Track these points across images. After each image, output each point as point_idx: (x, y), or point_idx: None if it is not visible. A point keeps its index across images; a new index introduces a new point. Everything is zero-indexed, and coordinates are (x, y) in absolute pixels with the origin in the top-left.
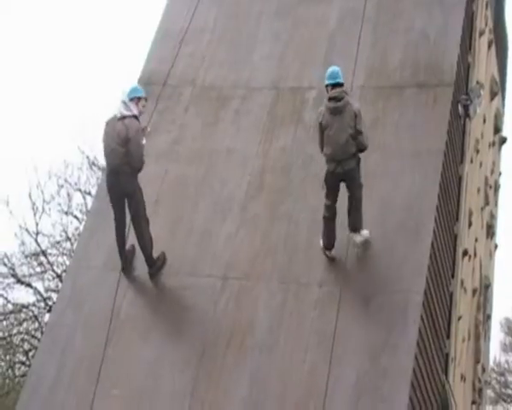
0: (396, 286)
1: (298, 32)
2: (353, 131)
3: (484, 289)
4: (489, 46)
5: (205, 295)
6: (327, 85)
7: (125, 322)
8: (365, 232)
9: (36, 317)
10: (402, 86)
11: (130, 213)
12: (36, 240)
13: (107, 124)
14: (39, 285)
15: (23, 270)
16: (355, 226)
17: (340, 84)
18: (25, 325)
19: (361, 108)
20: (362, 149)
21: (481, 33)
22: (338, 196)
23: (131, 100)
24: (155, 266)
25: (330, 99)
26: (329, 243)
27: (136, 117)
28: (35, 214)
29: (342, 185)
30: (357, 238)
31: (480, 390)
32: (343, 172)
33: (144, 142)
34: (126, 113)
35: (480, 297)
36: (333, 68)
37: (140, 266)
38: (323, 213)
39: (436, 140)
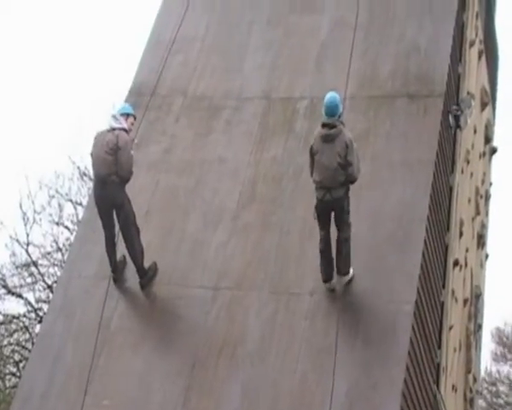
0: (387, 296)
1: (289, 42)
2: (343, 161)
3: (475, 299)
4: (479, 57)
5: (196, 305)
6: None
7: (115, 332)
8: (351, 271)
9: (26, 328)
10: (393, 96)
11: (119, 223)
12: (27, 251)
13: (97, 136)
14: (30, 296)
15: (14, 281)
16: (342, 271)
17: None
18: (15, 335)
19: (351, 117)
20: (351, 180)
21: (472, 44)
22: (330, 226)
23: (121, 115)
24: (146, 276)
25: (324, 126)
26: (327, 276)
27: (125, 130)
28: (26, 225)
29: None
30: (343, 280)
31: (472, 400)
32: (332, 199)
33: (133, 153)
34: (116, 125)
35: (471, 307)
36: (331, 98)
37: (131, 277)
38: (319, 246)
39: (427, 150)
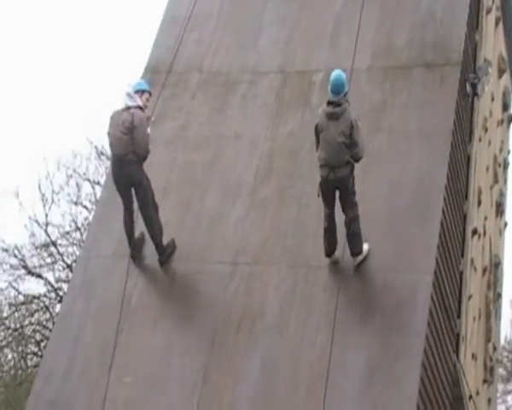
0: (406, 267)
1: (304, 15)
2: (347, 139)
3: (494, 268)
4: (496, 23)
5: (215, 280)
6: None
7: (135, 310)
8: (365, 248)
9: (47, 307)
10: (409, 66)
11: (137, 201)
12: (46, 231)
13: (113, 116)
14: (50, 276)
15: (33, 261)
16: (354, 252)
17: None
18: (36, 315)
19: (368, 88)
20: (356, 159)
21: (488, 11)
22: (335, 204)
23: (136, 92)
24: (165, 253)
25: (329, 103)
26: (330, 251)
27: (140, 108)
28: (44, 205)
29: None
30: (356, 260)
31: (492, 369)
32: (336, 178)
33: (149, 131)
34: (131, 103)
35: (491, 276)
36: (336, 79)
37: (150, 254)
38: (323, 223)
39: (444, 119)
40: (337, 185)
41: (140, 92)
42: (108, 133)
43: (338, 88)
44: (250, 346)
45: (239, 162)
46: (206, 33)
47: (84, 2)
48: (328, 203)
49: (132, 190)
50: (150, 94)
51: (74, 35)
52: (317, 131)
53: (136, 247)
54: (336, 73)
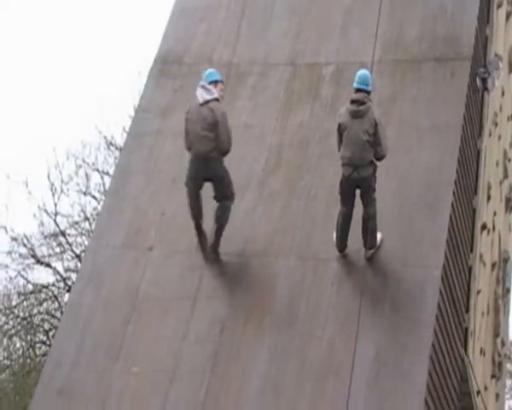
0: (414, 261)
1: (314, 7)
2: (371, 138)
3: (503, 263)
4: (507, 18)
5: (223, 272)
6: (358, 89)
7: (144, 300)
8: (378, 237)
9: (56, 297)
10: (420, 60)
11: (216, 194)
12: (55, 220)
13: (189, 110)
14: (59, 265)
15: (42, 250)
16: (369, 246)
17: (366, 91)
18: (45, 305)
19: (378, 82)
20: (379, 158)
21: (499, 5)
22: (354, 204)
23: (210, 84)
24: (217, 250)
25: (352, 102)
26: (342, 247)
27: (217, 100)
28: (53, 195)
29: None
30: (369, 252)
31: (500, 364)
32: (359, 178)
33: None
34: (209, 97)
35: (500, 271)
36: (363, 72)
37: (158, 244)
38: (337, 219)
39: (454, 114)
40: (359, 184)
41: (214, 83)
42: (186, 130)
43: (364, 80)
44: (258, 337)
45: (248, 154)
46: (216, 25)
47: None
48: (347, 202)
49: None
50: (223, 83)
51: (85, 25)
52: (340, 130)
53: (205, 243)
54: (363, 70)
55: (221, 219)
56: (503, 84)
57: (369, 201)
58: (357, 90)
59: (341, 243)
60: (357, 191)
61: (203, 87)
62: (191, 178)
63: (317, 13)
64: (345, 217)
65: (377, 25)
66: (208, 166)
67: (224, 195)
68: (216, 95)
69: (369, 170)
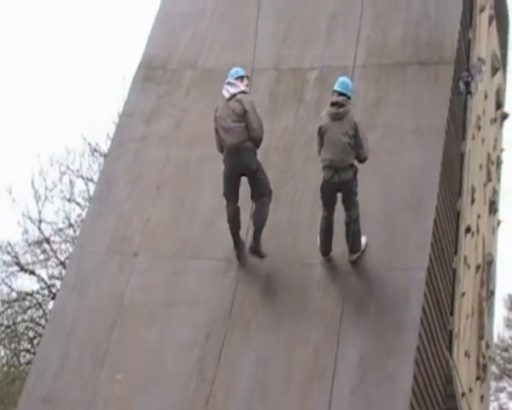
0: (399, 263)
1: (299, 12)
2: (352, 140)
3: (487, 266)
4: (490, 22)
5: (209, 277)
6: (334, 91)
7: (129, 306)
8: (363, 241)
9: (40, 304)
10: (403, 64)
11: (252, 191)
12: (39, 227)
13: (217, 109)
14: (43, 273)
15: (26, 258)
16: (353, 250)
17: (346, 96)
18: (29, 312)
19: (362, 86)
20: (361, 160)
21: (482, 9)
22: (335, 208)
23: (236, 79)
24: (259, 244)
25: (332, 104)
26: (325, 251)
27: (244, 92)
28: (38, 202)
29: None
30: (354, 256)
31: (485, 366)
32: (340, 181)
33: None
34: (235, 90)
35: (484, 273)
36: (345, 78)
37: (143, 250)
38: (320, 223)
39: (438, 117)
40: (340, 188)
41: (240, 78)
42: (216, 128)
43: (345, 85)
44: (245, 342)
45: None
46: (201, 30)
47: (76, 2)
48: (329, 205)
49: (240, 183)
50: (248, 79)
51: (67, 33)
52: (321, 133)
53: (242, 247)
54: (345, 78)
55: (260, 220)
56: (485, 88)
57: (350, 204)
58: (338, 95)
59: (325, 248)
60: (339, 195)
61: (229, 83)
62: (227, 177)
63: (302, 18)
64: (327, 221)
65: (359, 30)
66: (242, 159)
67: (261, 192)
68: (242, 88)
69: (350, 173)
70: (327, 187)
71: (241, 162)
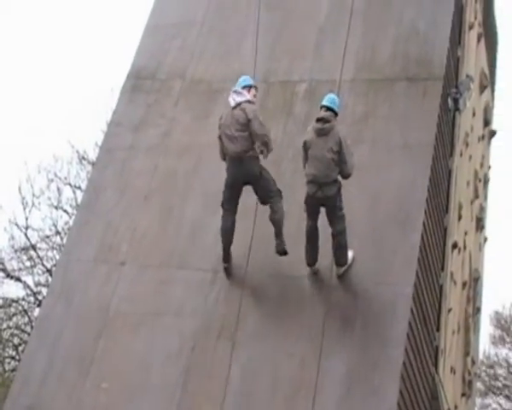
0: (386, 279)
1: (288, 25)
2: (336, 156)
3: (473, 282)
4: (478, 40)
5: (195, 287)
6: (321, 106)
7: (115, 315)
8: (350, 255)
9: (26, 311)
10: (392, 79)
11: (259, 196)
12: (25, 234)
13: (222, 116)
14: (29, 280)
15: (12, 264)
16: (340, 263)
17: (332, 111)
18: (14, 319)
19: (351, 100)
20: (345, 176)
21: (471, 27)
22: (318, 218)
23: (243, 88)
24: (284, 242)
25: (318, 120)
26: (311, 261)
27: (250, 102)
28: (25, 209)
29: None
30: (341, 269)
31: (470, 383)
32: (323, 197)
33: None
34: (240, 99)
35: (470, 290)
36: (332, 95)
37: (131, 259)
38: (305, 233)
39: (426, 133)
40: (323, 203)
41: (247, 88)
42: (220, 136)
43: (332, 100)
44: (230, 353)
45: (221, 170)
46: (190, 41)
47: (65, 10)
48: (312, 217)
49: (241, 191)
50: (256, 89)
51: (57, 42)
52: (306, 148)
53: (230, 260)
54: (332, 94)
55: (278, 221)
56: (474, 105)
57: (334, 218)
58: (326, 110)
59: (310, 257)
60: (323, 208)
61: (235, 92)
62: (229, 185)
63: (291, 31)
64: (310, 230)
65: (345, 45)
66: (244, 167)
67: (268, 194)
68: (248, 97)
69: (334, 189)
70: (310, 201)
71: (244, 171)
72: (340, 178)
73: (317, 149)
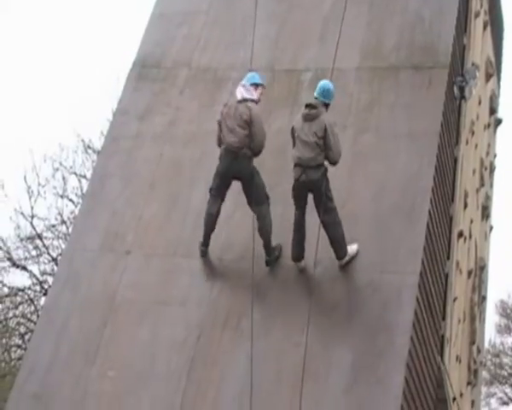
0: (391, 267)
1: (293, 14)
2: (320, 141)
3: (479, 271)
4: (484, 27)
5: (201, 277)
6: (315, 97)
7: (120, 304)
8: (353, 248)
9: (32, 300)
10: (397, 68)
11: (247, 197)
12: (31, 223)
13: (226, 105)
14: (35, 269)
15: (18, 253)
16: (338, 256)
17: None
18: (20, 308)
19: (356, 89)
20: (332, 162)
21: (477, 15)
22: (306, 208)
23: (251, 85)
24: (273, 255)
25: (306, 106)
26: (296, 255)
27: (255, 102)
28: (30, 198)
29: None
30: (342, 262)
31: (476, 371)
32: (307, 180)
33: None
34: (248, 96)
35: (476, 279)
36: (324, 84)
37: (136, 248)
38: (293, 223)
39: (431, 121)
40: (309, 188)
41: (255, 85)
42: (220, 124)
43: (325, 91)
44: (235, 343)
45: None
46: (195, 29)
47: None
48: (299, 205)
49: (229, 187)
50: (264, 88)
51: (62, 30)
52: (293, 133)
53: (208, 244)
54: (327, 82)
55: (266, 232)
56: (479, 93)
57: (320, 206)
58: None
59: (295, 251)
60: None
61: (244, 86)
62: (219, 175)
63: (296, 19)
64: (297, 220)
65: (339, 35)
66: (237, 164)
67: (256, 199)
68: (255, 97)
69: (318, 173)
70: (297, 187)
71: (237, 167)
72: (326, 164)
73: (303, 134)
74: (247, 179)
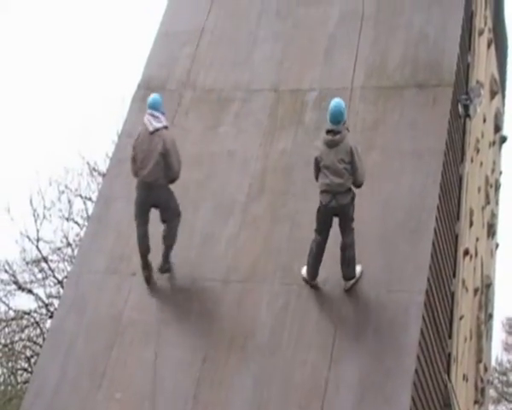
0: (397, 286)
1: (298, 33)
2: (348, 166)
3: (485, 289)
4: (488, 45)
5: (206, 298)
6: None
7: (127, 326)
8: (358, 270)
9: (37, 323)
10: (402, 86)
11: (163, 218)
12: (37, 246)
13: (139, 137)
14: (41, 292)
15: (24, 277)
16: (347, 277)
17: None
18: (26, 331)
19: (361, 108)
20: (358, 185)
21: (481, 33)
22: (329, 234)
23: (157, 111)
24: (167, 264)
25: (328, 132)
26: (312, 277)
27: (166, 128)
28: (36, 221)
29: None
30: (349, 283)
31: (483, 390)
32: (338, 206)
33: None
34: (158, 125)
35: (482, 297)
36: (335, 108)
37: (140, 270)
38: (311, 246)
39: (436, 140)
40: (337, 212)
41: (160, 111)
42: (134, 157)
43: (337, 117)
44: (242, 364)
45: (231, 180)
46: (200, 49)
47: (79, 17)
48: (323, 231)
49: (150, 212)
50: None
51: (67, 48)
52: (317, 162)
53: (150, 269)
54: (335, 102)
55: (171, 241)
56: (484, 111)
57: (347, 229)
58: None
59: (313, 272)
60: (336, 220)
61: (152, 115)
62: (138, 204)
63: (301, 39)
64: (319, 246)
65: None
66: (154, 194)
67: (170, 216)
68: (165, 123)
69: (348, 197)
70: (324, 211)
71: (153, 197)
72: (352, 187)
73: (329, 160)
74: (164, 206)
